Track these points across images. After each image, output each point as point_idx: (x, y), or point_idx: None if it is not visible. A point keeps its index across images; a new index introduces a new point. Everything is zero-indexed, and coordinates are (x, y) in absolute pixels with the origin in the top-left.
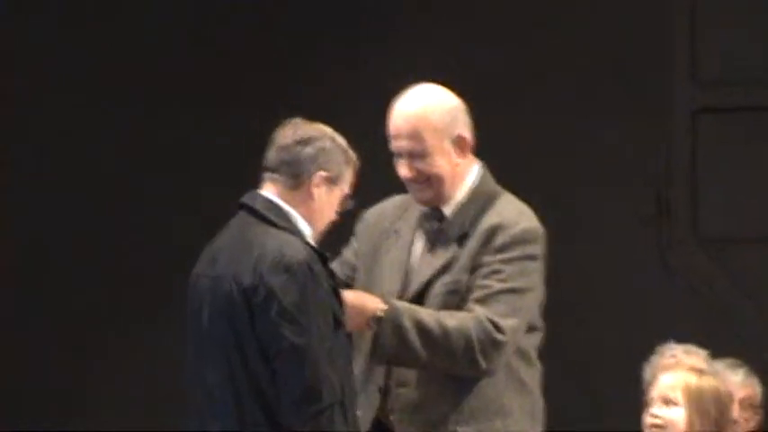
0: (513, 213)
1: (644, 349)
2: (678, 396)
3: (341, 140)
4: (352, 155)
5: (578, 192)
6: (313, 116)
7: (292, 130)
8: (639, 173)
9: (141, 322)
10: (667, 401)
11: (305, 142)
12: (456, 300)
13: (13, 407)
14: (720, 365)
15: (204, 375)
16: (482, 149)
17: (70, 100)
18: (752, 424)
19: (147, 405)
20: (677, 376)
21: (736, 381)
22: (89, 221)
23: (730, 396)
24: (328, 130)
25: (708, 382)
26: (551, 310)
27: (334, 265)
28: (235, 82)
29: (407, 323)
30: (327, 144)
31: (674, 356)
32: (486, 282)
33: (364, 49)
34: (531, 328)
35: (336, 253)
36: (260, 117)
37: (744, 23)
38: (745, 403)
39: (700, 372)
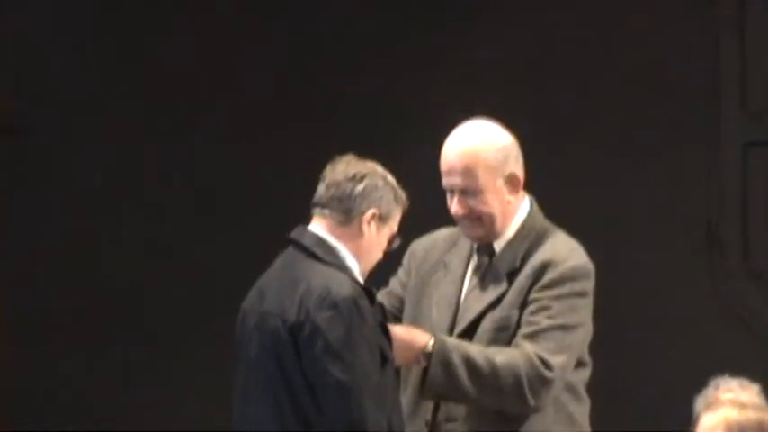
0: (563, 250)
1: (694, 384)
2: None
3: (391, 179)
4: (402, 194)
5: (630, 226)
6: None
7: (344, 167)
8: (691, 206)
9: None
10: None
11: (357, 179)
12: (506, 336)
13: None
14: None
15: (252, 411)
16: (535, 183)
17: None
18: None
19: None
20: (717, 415)
21: None
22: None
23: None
24: (379, 168)
25: (750, 416)
26: (603, 343)
27: (381, 296)
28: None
29: (456, 359)
30: (379, 182)
31: (717, 389)
32: (536, 318)
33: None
34: (579, 364)
35: (384, 284)
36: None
37: None
38: None
39: (741, 405)
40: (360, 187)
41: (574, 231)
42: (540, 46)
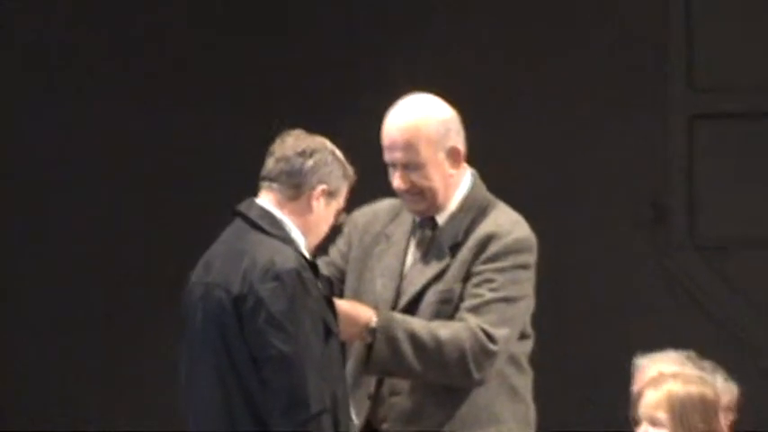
0: (505, 223)
1: (640, 353)
2: (663, 416)
3: (340, 154)
4: (350, 170)
5: (575, 198)
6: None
7: (293, 141)
8: (636, 179)
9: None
10: (654, 422)
11: (307, 154)
12: (449, 309)
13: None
14: (698, 368)
15: (197, 381)
16: (479, 156)
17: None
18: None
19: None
20: (660, 393)
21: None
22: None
23: (717, 403)
24: (329, 143)
25: (691, 391)
26: (548, 315)
27: (321, 266)
28: (237, 83)
29: (401, 334)
30: (329, 158)
31: (659, 364)
32: (479, 291)
33: (365, 49)
34: (522, 336)
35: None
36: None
37: (739, 29)
38: (727, 408)
39: (684, 380)
40: (310, 162)
41: (519, 206)
42: (484, 19)
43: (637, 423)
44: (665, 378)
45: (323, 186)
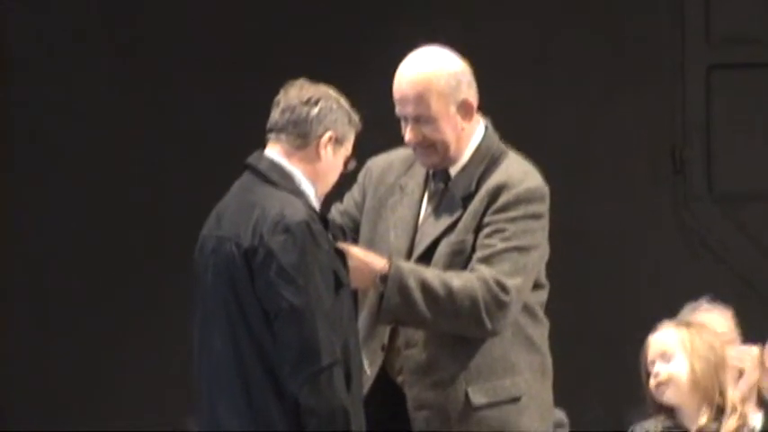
0: (517, 173)
1: (659, 306)
2: (675, 349)
3: (344, 102)
4: (355, 116)
5: (594, 151)
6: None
7: (298, 91)
8: (654, 131)
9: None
10: (665, 356)
11: (312, 103)
12: (462, 260)
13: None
14: (699, 314)
15: (209, 335)
16: (501, 111)
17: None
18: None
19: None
20: (667, 332)
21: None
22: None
23: (722, 342)
24: (333, 91)
25: (700, 331)
26: (567, 267)
27: (335, 213)
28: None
29: (413, 283)
30: (333, 105)
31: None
32: (491, 241)
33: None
34: (536, 286)
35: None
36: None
37: None
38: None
39: (687, 324)
40: (315, 110)
41: (539, 158)
42: None
43: (648, 376)
44: (666, 323)
45: (330, 134)
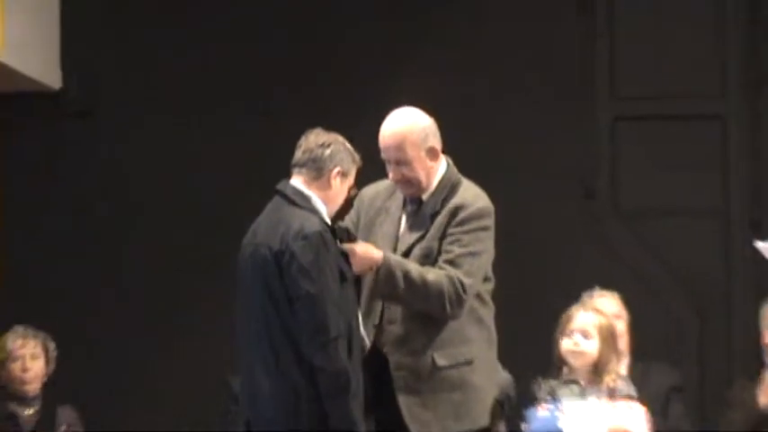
0: (470, 196)
1: (574, 294)
2: (594, 332)
3: (349, 145)
4: (357, 156)
5: (526, 181)
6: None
7: (315, 137)
8: (572, 167)
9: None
10: (586, 335)
11: (326, 146)
12: (430, 261)
13: None
14: (597, 298)
15: (249, 317)
16: (457, 149)
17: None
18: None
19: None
20: (591, 316)
21: (614, 311)
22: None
23: (615, 326)
24: (340, 137)
25: (608, 320)
26: (504, 267)
27: (347, 223)
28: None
29: (398, 272)
30: (341, 147)
31: (590, 297)
32: (451, 247)
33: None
34: (486, 279)
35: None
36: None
37: (652, 46)
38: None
39: (600, 312)
40: (328, 151)
41: (482, 184)
42: (465, 47)
43: (563, 336)
44: (590, 304)
45: (338, 168)
